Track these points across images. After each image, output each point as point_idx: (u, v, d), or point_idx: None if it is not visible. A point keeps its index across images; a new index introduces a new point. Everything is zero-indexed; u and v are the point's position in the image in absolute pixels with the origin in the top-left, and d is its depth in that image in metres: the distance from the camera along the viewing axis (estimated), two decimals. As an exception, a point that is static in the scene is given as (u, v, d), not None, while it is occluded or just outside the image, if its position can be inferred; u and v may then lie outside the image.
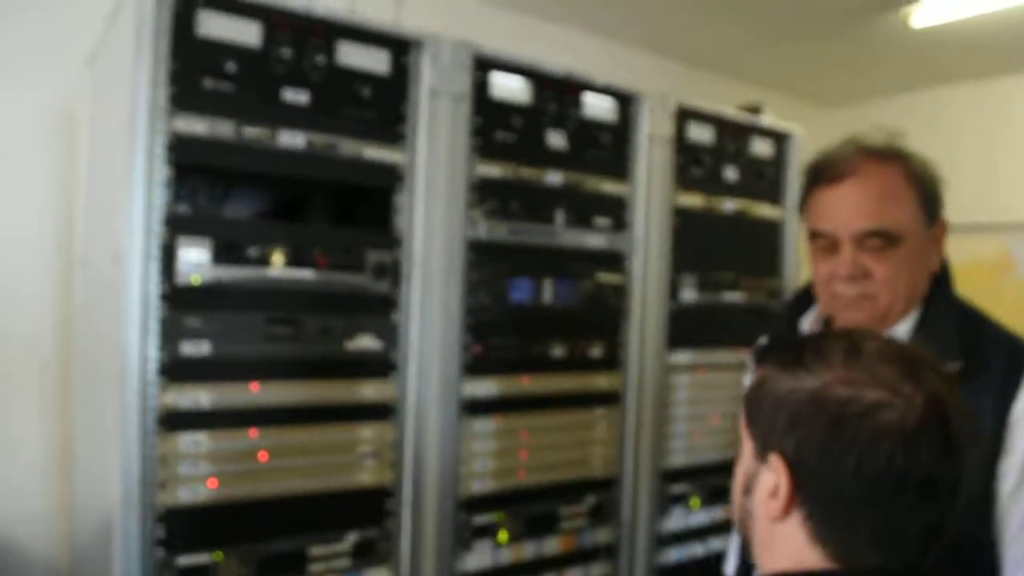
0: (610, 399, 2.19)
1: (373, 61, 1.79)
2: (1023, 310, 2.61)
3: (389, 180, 1.82)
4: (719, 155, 2.41)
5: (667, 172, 2.27)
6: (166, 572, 1.54)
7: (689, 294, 2.34)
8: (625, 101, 2.20)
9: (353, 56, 1.77)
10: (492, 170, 1.96)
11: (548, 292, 2.05)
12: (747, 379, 1.44)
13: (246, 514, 1.63)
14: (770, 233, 2.58)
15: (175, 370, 1.56)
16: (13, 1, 2.31)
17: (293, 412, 1.69)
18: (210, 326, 1.60)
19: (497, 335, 1.98)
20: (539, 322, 2.04)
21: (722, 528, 2.38)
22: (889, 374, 0.79)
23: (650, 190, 2.22)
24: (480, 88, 1.94)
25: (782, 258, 2.59)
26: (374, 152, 1.79)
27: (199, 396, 1.58)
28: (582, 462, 2.14)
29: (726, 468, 0.95)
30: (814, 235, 1.28)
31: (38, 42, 2.33)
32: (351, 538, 1.77)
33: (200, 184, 1.83)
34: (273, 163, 1.68)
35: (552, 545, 2.08)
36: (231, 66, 1.60)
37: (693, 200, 2.35)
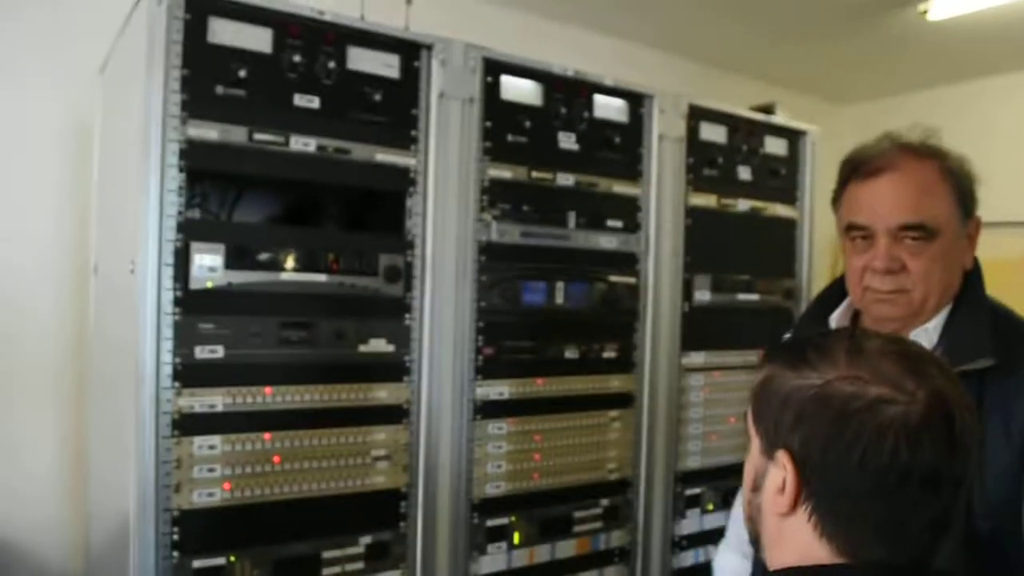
0: (624, 401, 2.18)
1: (383, 65, 1.80)
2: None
3: (400, 183, 1.82)
4: (732, 155, 2.40)
5: (679, 172, 2.26)
6: (182, 575, 1.56)
7: (703, 295, 2.33)
8: (636, 102, 2.19)
9: (363, 61, 1.77)
10: (503, 172, 1.96)
11: (560, 294, 2.04)
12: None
13: (260, 517, 1.64)
14: (785, 233, 2.56)
15: (189, 375, 1.57)
16: (25, 11, 2.35)
17: (306, 415, 1.70)
18: (224, 331, 1.61)
19: (510, 337, 1.98)
20: (552, 324, 2.04)
21: (738, 530, 2.36)
22: (891, 370, 0.80)
23: (662, 191, 2.22)
24: (490, 91, 1.94)
25: (797, 258, 2.57)
26: (385, 156, 1.80)
27: (213, 400, 1.60)
28: (596, 465, 2.13)
29: (741, 470, 0.95)
30: (849, 228, 1.28)
31: (50, 52, 2.36)
32: (364, 541, 1.77)
33: (213, 190, 1.85)
34: (285, 168, 1.69)
35: (566, 548, 2.08)
36: (243, 72, 1.62)
37: (706, 200, 2.34)
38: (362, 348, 1.76)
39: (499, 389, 1.96)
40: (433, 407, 1.85)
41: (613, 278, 2.14)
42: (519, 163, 1.99)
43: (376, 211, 1.92)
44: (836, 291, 1.41)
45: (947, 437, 0.77)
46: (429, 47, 1.84)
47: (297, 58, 1.68)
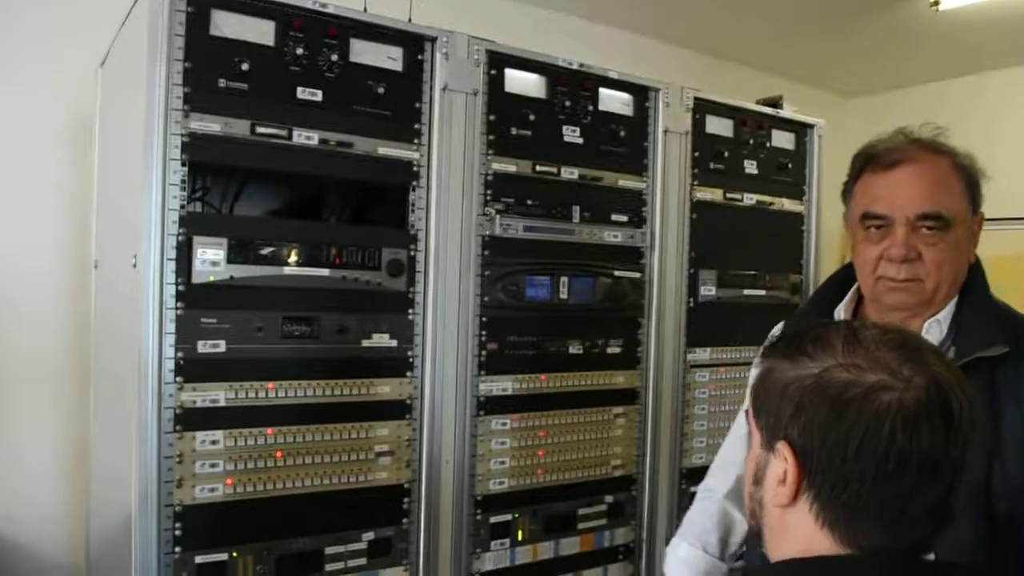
0: (629, 397, 2.17)
1: (386, 58, 1.79)
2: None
3: (404, 177, 1.81)
4: (738, 148, 2.38)
5: (685, 166, 2.24)
6: (184, 570, 1.55)
7: (708, 290, 2.31)
8: (641, 95, 2.18)
9: (366, 53, 1.76)
10: (507, 166, 1.95)
11: (565, 289, 2.03)
12: (753, 372, 1.46)
13: (262, 512, 1.64)
14: (792, 227, 2.54)
15: (192, 369, 1.56)
16: (25, 9, 2.34)
17: (309, 411, 1.69)
18: (226, 325, 1.60)
19: (513, 333, 1.97)
20: (556, 319, 2.03)
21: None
22: (888, 358, 0.80)
23: (667, 185, 2.20)
24: (494, 83, 1.93)
25: (804, 253, 2.55)
26: (388, 149, 1.79)
27: (216, 395, 1.59)
28: (600, 461, 2.12)
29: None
30: (865, 218, 1.30)
31: (50, 47, 2.35)
32: (367, 537, 1.77)
33: (214, 184, 1.84)
34: (288, 161, 1.69)
35: (570, 545, 2.07)
36: (245, 65, 1.61)
37: (712, 194, 2.32)
38: (365, 343, 1.76)
39: (503, 384, 1.95)
40: (436, 402, 1.84)
41: (618, 273, 2.13)
42: (523, 157, 1.97)
43: (379, 205, 1.91)
44: (838, 283, 1.44)
45: (944, 423, 0.78)
46: (433, 40, 1.83)
47: (300, 51, 1.67)
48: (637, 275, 2.17)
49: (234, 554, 1.60)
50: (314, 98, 1.70)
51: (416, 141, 1.82)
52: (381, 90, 1.77)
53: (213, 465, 1.59)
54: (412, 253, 1.82)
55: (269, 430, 1.65)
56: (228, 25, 1.60)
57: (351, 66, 1.74)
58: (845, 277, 1.42)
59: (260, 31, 1.64)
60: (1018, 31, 3.50)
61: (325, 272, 1.71)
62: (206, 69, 1.57)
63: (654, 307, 2.19)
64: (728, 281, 2.35)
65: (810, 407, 0.81)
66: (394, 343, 1.79)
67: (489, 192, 1.92)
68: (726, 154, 2.34)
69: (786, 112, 2.49)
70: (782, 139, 2.49)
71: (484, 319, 1.91)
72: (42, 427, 2.41)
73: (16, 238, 2.36)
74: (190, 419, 1.56)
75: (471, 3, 3.05)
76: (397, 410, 1.80)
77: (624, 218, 2.15)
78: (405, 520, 1.82)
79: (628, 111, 2.16)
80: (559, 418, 2.04)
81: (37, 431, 2.40)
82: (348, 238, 1.75)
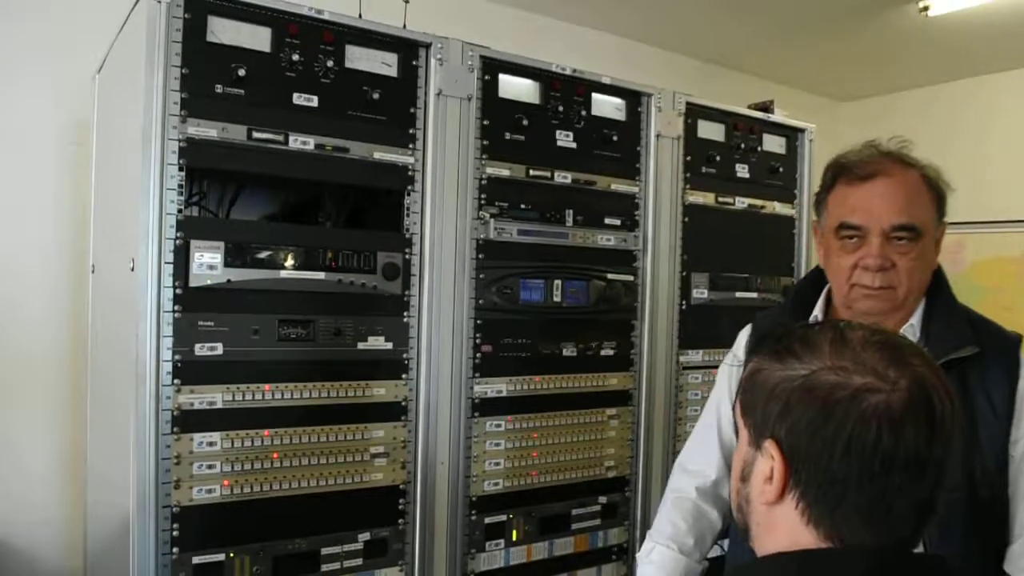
0: (622, 399, 2.19)
1: (382, 64, 1.81)
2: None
3: (399, 182, 1.83)
4: (730, 152, 2.41)
5: (677, 170, 2.26)
6: (181, 570, 1.57)
7: (700, 293, 2.34)
8: (634, 100, 2.20)
9: (362, 59, 1.78)
10: (501, 170, 1.97)
11: (558, 292, 2.05)
12: (724, 370, 1.54)
13: (259, 513, 1.65)
14: (783, 231, 2.56)
15: (189, 371, 1.58)
16: (23, 15, 2.35)
17: (305, 412, 1.71)
18: (223, 328, 1.62)
19: (508, 335, 1.99)
20: (549, 322, 2.05)
21: (736, 527, 2.37)
22: (874, 360, 0.82)
23: (660, 189, 2.23)
24: (488, 89, 1.95)
25: (795, 256, 2.58)
26: (384, 154, 1.81)
27: (213, 397, 1.61)
28: (594, 462, 2.14)
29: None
30: (840, 228, 1.35)
31: (47, 54, 2.37)
32: (363, 537, 1.78)
33: (212, 188, 1.86)
34: (284, 166, 1.71)
35: (564, 545, 2.09)
36: (242, 71, 1.62)
37: (704, 198, 2.34)
38: (361, 345, 1.77)
39: (497, 386, 1.97)
40: (431, 404, 1.86)
41: (611, 276, 2.15)
42: (517, 161, 1.99)
43: (375, 209, 1.93)
44: (811, 287, 1.49)
45: (928, 423, 0.80)
46: (427, 46, 1.85)
47: (296, 57, 1.69)
48: (630, 278, 2.19)
49: (231, 554, 1.62)
50: (310, 103, 1.72)
51: (411, 146, 1.84)
52: (376, 95, 1.79)
53: (210, 466, 1.60)
54: (407, 256, 1.84)
55: (266, 432, 1.66)
56: (225, 31, 1.62)
57: (346, 72, 1.76)
58: (816, 278, 1.48)
59: (257, 37, 1.66)
60: (1009, 36, 3.54)
61: (321, 275, 1.73)
62: (203, 75, 1.59)
63: (647, 309, 2.21)
64: (720, 284, 2.38)
65: (797, 408, 0.83)
66: (389, 345, 1.81)
67: (483, 196, 1.94)
68: (718, 158, 2.37)
69: (777, 116, 2.52)
70: (773, 143, 2.52)
71: (479, 322, 1.93)
72: (39, 430, 2.42)
73: (14, 243, 2.37)
74: (187, 421, 1.58)
75: (465, 9, 3.08)
76: (392, 412, 1.82)
77: (617, 221, 2.17)
78: (401, 521, 1.83)
79: (621, 116, 2.18)
80: (553, 420, 2.06)
81: (34, 434, 2.41)
82: (344, 242, 1.77)
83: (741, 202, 2.42)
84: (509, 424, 1.99)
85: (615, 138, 2.15)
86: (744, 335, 1.57)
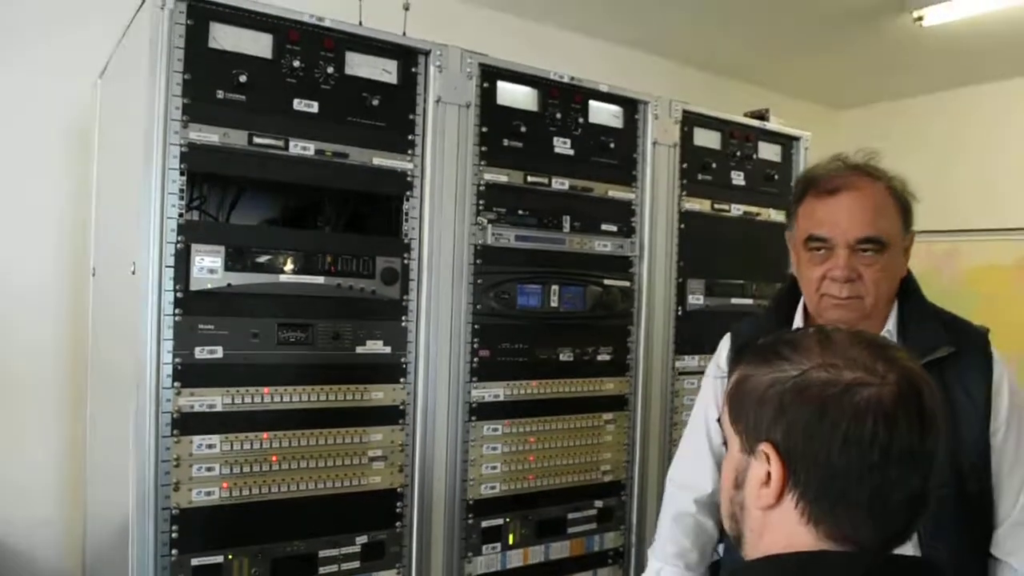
0: (618, 404, 2.21)
1: (381, 71, 1.83)
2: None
3: (398, 187, 1.85)
4: (726, 160, 2.43)
5: (673, 177, 2.28)
6: (180, 572, 1.58)
7: (696, 299, 2.35)
8: (631, 107, 2.22)
9: (362, 66, 1.80)
10: (499, 176, 1.99)
11: (555, 297, 2.07)
12: (708, 381, 1.57)
13: (258, 516, 1.67)
14: (778, 237, 2.56)
15: (189, 374, 1.59)
16: (24, 20, 2.37)
17: (304, 416, 1.72)
18: (223, 331, 1.63)
19: (505, 340, 2.00)
20: (546, 327, 2.07)
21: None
22: (862, 356, 0.84)
23: (656, 195, 2.24)
24: (487, 96, 1.97)
25: (790, 263, 2.59)
26: (383, 160, 1.83)
27: (212, 400, 1.62)
28: (590, 467, 2.16)
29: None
30: (809, 240, 1.39)
31: (50, 61, 2.38)
32: (361, 540, 1.79)
33: (213, 193, 1.87)
34: (284, 171, 1.72)
35: (560, 549, 2.10)
36: (243, 77, 1.64)
37: (700, 205, 2.36)
38: (359, 349, 1.79)
39: (494, 391, 1.98)
40: (429, 408, 1.87)
41: (607, 281, 2.17)
42: (515, 167, 2.01)
43: (374, 214, 1.95)
44: (788, 296, 1.54)
45: (919, 415, 0.82)
46: (426, 53, 1.87)
47: (297, 63, 1.71)
48: (626, 284, 2.21)
49: (229, 556, 1.63)
50: (310, 109, 1.74)
51: (410, 152, 1.86)
52: (376, 102, 1.80)
53: (209, 469, 1.61)
54: (406, 261, 1.85)
55: (264, 435, 1.68)
56: (227, 38, 1.64)
57: (347, 78, 1.78)
58: (793, 287, 1.52)
59: (258, 44, 1.68)
60: (1003, 46, 3.57)
61: (320, 280, 1.75)
62: (205, 81, 1.61)
63: (643, 315, 2.23)
64: (716, 290, 2.40)
65: (792, 408, 0.84)
66: (388, 350, 1.83)
67: (481, 202, 1.96)
68: (714, 165, 2.39)
69: (772, 124, 2.54)
70: (769, 151, 2.54)
71: (476, 326, 1.95)
72: (40, 432, 2.42)
73: (16, 246, 2.38)
74: (187, 423, 1.59)
75: (465, 17, 3.10)
76: (390, 415, 1.84)
77: (614, 228, 2.19)
78: (398, 524, 1.85)
79: (618, 123, 2.20)
80: (550, 424, 2.07)
81: (35, 436, 2.42)
82: (343, 246, 1.79)
83: (737, 209, 2.44)
84: (506, 428, 2.00)
85: (612, 145, 2.17)
86: (725, 345, 1.60)
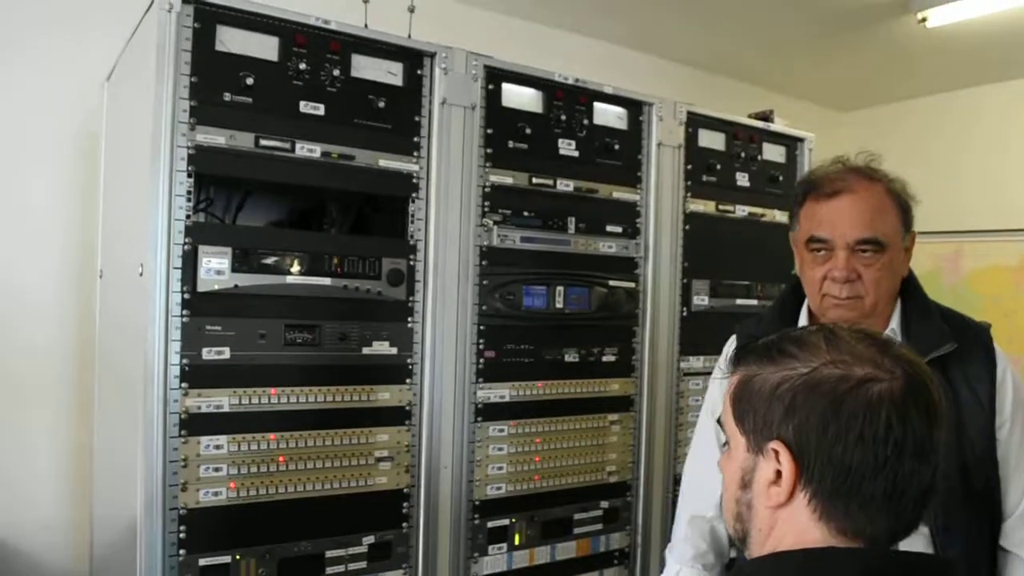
0: (623, 404, 2.21)
1: (387, 73, 1.83)
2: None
3: (404, 189, 1.86)
4: (730, 161, 2.43)
5: (678, 178, 2.29)
6: (188, 572, 1.59)
7: (701, 300, 2.36)
8: (635, 109, 2.23)
9: (367, 68, 1.81)
10: (504, 178, 1.99)
11: (560, 298, 2.07)
12: (716, 384, 1.58)
13: (265, 516, 1.67)
14: (783, 238, 2.56)
15: (196, 375, 1.60)
16: (33, 26, 2.38)
17: (311, 416, 1.73)
18: (230, 333, 1.64)
19: (511, 341, 2.01)
20: (552, 328, 2.07)
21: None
22: (869, 353, 0.85)
23: (661, 197, 2.25)
24: (492, 98, 1.98)
25: (795, 264, 2.59)
26: (389, 162, 1.83)
27: (220, 401, 1.63)
28: (596, 467, 2.16)
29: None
30: (809, 241, 1.42)
31: (57, 63, 2.39)
32: (367, 541, 1.80)
33: (219, 195, 1.88)
34: (291, 173, 1.73)
35: (566, 549, 2.10)
36: (250, 80, 1.65)
37: (705, 206, 2.37)
38: (365, 350, 1.80)
39: (500, 392, 1.99)
40: (435, 409, 1.88)
41: (612, 283, 2.17)
42: (520, 169, 2.02)
43: (379, 216, 1.96)
44: (792, 296, 1.57)
45: (927, 407, 0.83)
46: (432, 55, 1.88)
47: (303, 66, 1.72)
48: (631, 285, 2.21)
49: (237, 557, 1.63)
50: (316, 112, 1.74)
51: (415, 154, 1.87)
52: (381, 104, 1.81)
53: (217, 469, 1.62)
54: (412, 263, 1.86)
55: (271, 435, 1.68)
56: (233, 41, 1.65)
57: (352, 81, 1.79)
58: (796, 287, 1.55)
59: (264, 47, 1.69)
60: (1008, 47, 3.56)
61: (327, 281, 1.75)
62: (212, 83, 1.62)
63: (648, 316, 2.23)
64: (720, 291, 2.40)
65: (804, 405, 0.84)
66: (394, 350, 1.83)
67: (486, 203, 1.97)
68: (718, 167, 2.39)
69: (777, 126, 2.54)
70: (773, 152, 2.54)
71: (482, 327, 1.96)
72: (47, 434, 2.43)
73: (24, 248, 2.39)
74: (195, 424, 1.60)
75: (470, 19, 3.11)
76: (397, 416, 1.84)
77: (619, 229, 2.19)
78: (405, 524, 1.85)
79: (622, 125, 2.21)
80: (555, 425, 2.08)
81: (42, 438, 2.42)
82: (349, 248, 1.80)
83: (741, 210, 2.45)
84: (512, 429, 2.01)
85: (617, 147, 2.18)
86: (731, 346, 1.60)
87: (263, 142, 1.68)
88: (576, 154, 2.11)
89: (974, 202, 3.97)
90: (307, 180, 1.76)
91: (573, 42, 3.47)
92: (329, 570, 1.74)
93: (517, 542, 2.02)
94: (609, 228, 2.17)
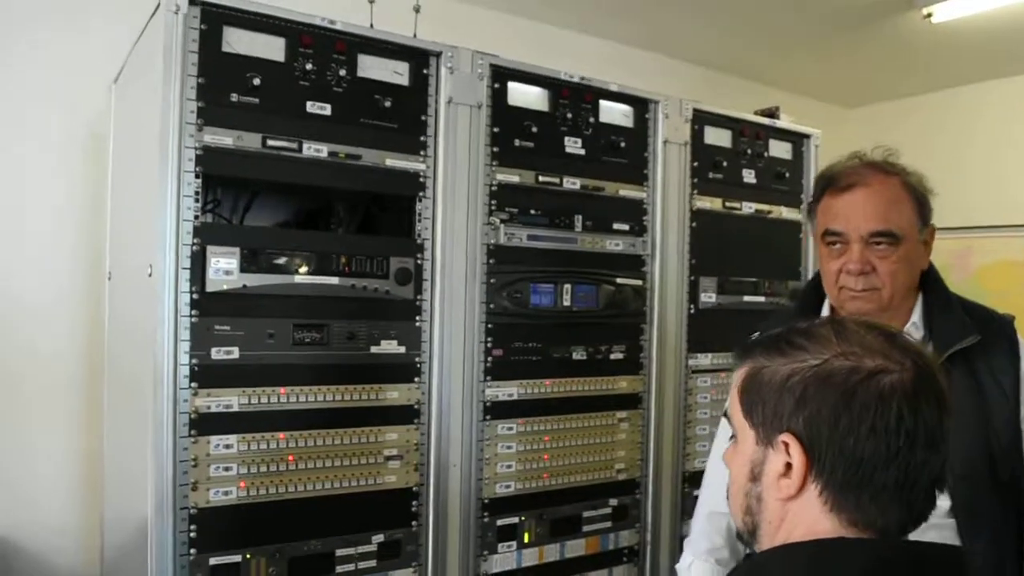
0: (631, 402, 2.21)
1: (393, 73, 1.84)
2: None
3: (410, 188, 1.86)
4: (736, 158, 2.43)
5: (684, 176, 2.29)
6: (198, 571, 1.59)
7: (709, 297, 2.35)
8: (641, 107, 2.23)
9: (374, 68, 1.81)
10: (511, 177, 2.00)
11: (568, 296, 2.07)
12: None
13: (275, 515, 1.68)
14: (790, 235, 2.58)
15: (206, 375, 1.61)
16: (41, 24, 2.39)
17: (320, 415, 1.73)
18: (239, 332, 1.64)
19: (518, 339, 2.01)
20: (559, 326, 2.07)
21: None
22: (878, 344, 0.86)
23: (667, 194, 2.25)
24: (498, 96, 1.98)
25: (802, 260, 2.59)
26: (395, 161, 1.84)
27: (229, 400, 1.63)
28: (604, 465, 2.16)
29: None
30: (826, 234, 1.44)
31: (65, 65, 2.40)
32: (377, 539, 1.80)
33: (227, 195, 1.89)
34: (298, 173, 1.73)
35: (575, 547, 2.10)
36: (256, 80, 1.66)
37: (711, 203, 2.37)
38: (374, 349, 1.80)
39: (508, 390, 1.99)
40: (444, 407, 1.88)
41: (620, 280, 2.17)
42: (526, 167, 2.02)
43: (387, 215, 1.96)
44: (814, 291, 1.57)
45: (937, 398, 0.84)
46: (438, 54, 1.88)
47: (309, 66, 1.72)
48: (639, 282, 2.21)
49: (247, 556, 1.64)
50: (323, 112, 1.75)
51: (422, 153, 1.87)
52: (388, 104, 1.82)
53: (227, 468, 1.62)
54: (419, 262, 1.86)
55: (281, 434, 1.69)
56: (240, 42, 1.66)
57: (359, 80, 1.79)
58: (818, 282, 1.55)
59: (271, 47, 1.69)
60: (1015, 42, 3.54)
61: (335, 280, 1.76)
62: (219, 84, 1.63)
63: (656, 313, 2.23)
64: (728, 288, 2.40)
65: (816, 397, 0.84)
66: (402, 349, 1.84)
67: (493, 202, 1.97)
68: (725, 164, 2.39)
69: (783, 122, 2.54)
70: (779, 149, 2.54)
71: (490, 326, 1.96)
72: (56, 436, 2.43)
73: (32, 250, 2.40)
74: (204, 424, 1.60)
75: (474, 19, 3.11)
76: (405, 415, 1.84)
77: (626, 227, 2.19)
78: (414, 523, 1.85)
79: (629, 123, 2.21)
80: (564, 423, 2.08)
81: (51, 440, 2.43)
82: (357, 247, 1.80)
83: (748, 207, 2.45)
84: (520, 427, 2.01)
85: (623, 144, 2.18)
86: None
87: (270, 142, 1.68)
88: (582, 152, 2.11)
89: (981, 198, 3.95)
90: (314, 180, 1.76)
91: (580, 42, 3.47)
92: (339, 569, 1.75)
93: (526, 540, 2.02)
94: (616, 226, 2.17)
